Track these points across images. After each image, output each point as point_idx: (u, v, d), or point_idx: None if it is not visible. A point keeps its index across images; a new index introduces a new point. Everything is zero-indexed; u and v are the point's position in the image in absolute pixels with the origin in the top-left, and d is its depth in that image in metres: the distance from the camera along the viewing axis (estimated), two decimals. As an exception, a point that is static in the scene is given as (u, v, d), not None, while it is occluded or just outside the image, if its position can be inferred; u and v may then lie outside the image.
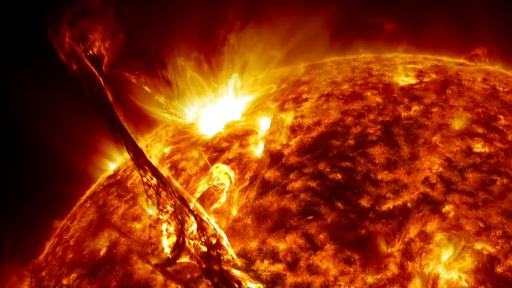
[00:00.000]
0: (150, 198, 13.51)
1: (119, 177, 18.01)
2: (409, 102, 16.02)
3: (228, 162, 15.27)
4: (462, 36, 20.61)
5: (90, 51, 13.29)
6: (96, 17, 13.38)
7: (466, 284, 11.36)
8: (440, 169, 13.61)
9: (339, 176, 13.79)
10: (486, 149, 14.06)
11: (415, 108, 15.73)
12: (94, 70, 12.93)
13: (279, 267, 12.32)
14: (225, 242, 12.62)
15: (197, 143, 16.75)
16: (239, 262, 12.46)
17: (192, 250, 12.77)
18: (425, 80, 17.48)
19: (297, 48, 20.71)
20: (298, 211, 13.22)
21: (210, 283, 12.40)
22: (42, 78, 19.66)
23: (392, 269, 11.82)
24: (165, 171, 13.16)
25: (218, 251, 12.47)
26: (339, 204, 13.16)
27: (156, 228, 14.24)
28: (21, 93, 19.25)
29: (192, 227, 12.71)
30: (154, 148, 17.74)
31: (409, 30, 21.86)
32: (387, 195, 13.19)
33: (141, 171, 12.77)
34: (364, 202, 13.16)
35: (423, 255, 11.88)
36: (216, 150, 15.96)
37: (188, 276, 12.81)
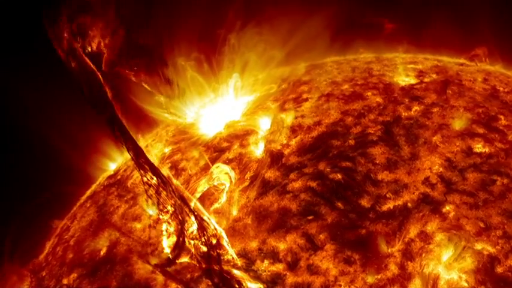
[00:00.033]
0: (150, 198, 13.50)
1: (119, 177, 18.01)
2: (410, 102, 16.02)
3: (228, 162, 15.27)
4: (462, 36, 20.60)
5: (90, 48, 13.20)
6: (96, 13, 13.31)
7: (466, 284, 11.36)
8: (441, 169, 13.60)
9: (339, 176, 13.79)
10: (486, 149, 14.06)
11: (416, 108, 15.73)
12: (93, 67, 12.85)
13: (279, 267, 12.32)
14: (225, 241, 12.62)
15: (197, 143, 16.75)
16: (239, 262, 12.46)
17: (192, 250, 12.76)
18: (426, 80, 17.48)
19: (297, 48, 20.71)
20: (298, 211, 13.22)
21: (210, 283, 12.40)
22: (42, 78, 19.66)
23: (393, 269, 11.82)
24: (165, 171, 13.14)
25: (218, 251, 12.46)
26: (339, 204, 13.15)
27: (156, 228, 14.24)
28: (21, 93, 19.24)
29: (193, 227, 12.71)
30: (155, 148, 17.75)
31: (410, 30, 21.86)
32: (387, 195, 13.19)
33: (141, 170, 12.76)
34: (365, 202, 13.16)
35: (423, 255, 11.88)
36: (216, 150, 15.96)
37: (188, 276, 12.81)
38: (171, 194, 12.56)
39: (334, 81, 18.22)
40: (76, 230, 16.67)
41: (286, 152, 15.02)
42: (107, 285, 13.54)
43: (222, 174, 14.67)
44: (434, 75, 17.81)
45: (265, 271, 12.33)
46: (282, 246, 12.61)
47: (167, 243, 13.57)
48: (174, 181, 13.00)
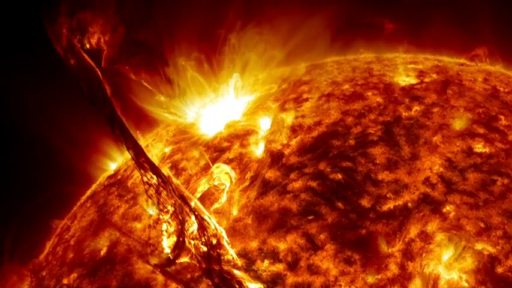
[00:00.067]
0: (150, 198, 13.48)
1: (119, 177, 18.01)
2: (410, 102, 16.01)
3: (228, 162, 15.27)
4: (463, 36, 20.61)
5: (89, 44, 13.09)
6: (96, 10, 13.22)
7: (466, 284, 11.36)
8: (441, 169, 13.60)
9: (340, 176, 13.79)
10: (487, 149, 14.05)
11: (416, 108, 15.72)
12: (92, 64, 12.75)
13: (279, 267, 12.32)
14: (225, 241, 12.61)
15: (198, 143, 16.75)
16: (239, 262, 12.45)
17: (193, 250, 12.75)
18: (426, 80, 17.47)
19: (297, 48, 20.72)
20: (298, 211, 13.21)
21: (210, 283, 12.39)
22: (42, 78, 19.66)
23: (393, 269, 11.82)
24: (165, 170, 13.12)
25: (218, 251, 12.45)
26: (340, 204, 13.15)
27: (156, 228, 14.23)
28: (21, 93, 19.24)
29: (193, 226, 12.70)
30: (155, 148, 17.74)
31: (410, 30, 21.87)
32: (388, 195, 13.19)
33: (141, 170, 12.73)
34: (365, 202, 13.15)
35: (424, 255, 11.88)
36: (216, 150, 15.96)
37: (188, 276, 12.81)
38: (171, 193, 12.55)
39: (334, 81, 18.22)
40: (76, 229, 16.67)
41: (287, 152, 15.02)
42: (107, 285, 13.54)
43: (223, 174, 14.66)
44: (434, 75, 17.81)
45: (265, 271, 12.33)
46: (282, 246, 12.60)
47: (167, 243, 13.56)
48: (174, 180, 12.98)
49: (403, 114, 15.56)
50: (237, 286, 12.05)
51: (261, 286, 12.05)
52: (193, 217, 12.58)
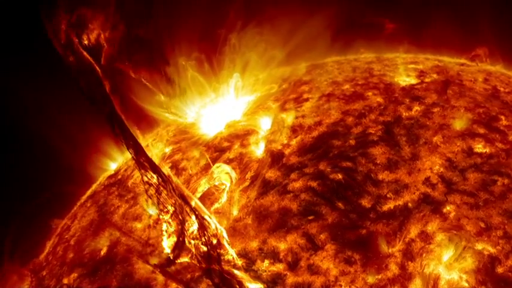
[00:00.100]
0: (151, 198, 13.47)
1: (119, 177, 18.01)
2: (410, 103, 16.01)
3: (228, 162, 15.27)
4: (463, 36, 20.61)
5: (88, 41, 12.95)
6: (96, 6, 13.11)
7: (466, 285, 11.35)
8: (441, 169, 13.60)
9: (340, 176, 13.78)
10: (487, 150, 14.05)
11: (416, 108, 15.72)
12: (91, 61, 12.63)
13: (279, 267, 12.31)
14: (225, 241, 12.60)
15: (198, 143, 16.75)
16: (240, 262, 12.44)
17: (193, 250, 12.74)
18: (427, 80, 17.47)
19: (298, 48, 20.73)
20: (298, 211, 13.21)
21: (210, 283, 12.39)
22: (42, 78, 19.67)
23: (393, 269, 11.81)
24: (165, 169, 13.10)
25: (219, 251, 12.45)
26: (340, 204, 13.15)
27: (156, 228, 14.24)
28: (21, 93, 19.25)
29: (193, 226, 12.69)
30: (155, 148, 17.74)
31: (410, 30, 21.88)
32: (388, 195, 13.18)
33: (141, 169, 12.69)
34: (365, 202, 13.15)
35: (424, 255, 11.87)
36: (217, 150, 15.96)
37: (188, 276, 12.81)
38: (172, 192, 12.52)
39: (334, 81, 18.22)
40: (76, 229, 16.66)
41: (287, 152, 15.02)
42: (107, 285, 13.53)
43: (223, 174, 14.66)
44: (435, 75, 17.80)
45: (265, 271, 12.32)
46: (282, 246, 12.60)
47: (167, 243, 13.56)
48: (175, 179, 12.96)
49: (404, 114, 15.56)
50: (237, 286, 12.05)
51: (261, 286, 12.05)
52: (193, 217, 12.58)
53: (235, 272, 12.27)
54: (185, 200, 12.59)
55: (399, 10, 22.43)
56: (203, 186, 14.60)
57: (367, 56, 21.24)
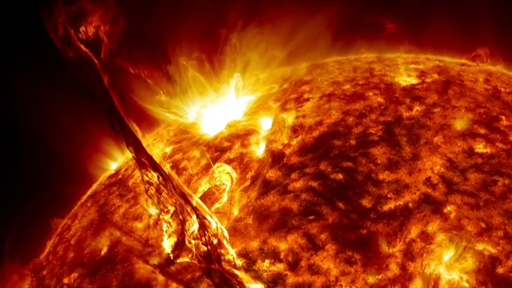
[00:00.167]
0: (151, 198, 13.46)
1: (120, 177, 18.00)
2: (411, 103, 16.01)
3: (229, 161, 15.27)
4: (464, 36, 20.60)
5: (87, 35, 12.77)
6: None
7: (467, 285, 11.35)
8: (442, 169, 13.59)
9: (340, 176, 13.78)
10: (488, 150, 14.04)
11: (417, 108, 15.71)
12: (90, 54, 12.48)
13: (280, 267, 12.31)
14: (226, 241, 12.60)
15: (199, 143, 16.75)
16: (240, 262, 12.44)
17: (193, 250, 12.74)
18: (427, 80, 17.47)
19: (298, 48, 20.74)
20: (299, 211, 13.20)
21: (210, 283, 12.38)
22: (42, 78, 19.67)
23: (394, 269, 11.80)
24: (166, 168, 13.08)
25: (219, 250, 12.44)
26: (340, 204, 13.14)
27: (156, 228, 14.23)
28: (21, 93, 19.25)
29: (193, 226, 12.69)
30: (156, 147, 17.74)
31: (411, 31, 21.86)
32: (388, 196, 13.18)
33: (141, 168, 12.64)
34: (366, 202, 13.14)
35: (424, 255, 11.87)
36: (217, 150, 15.96)
37: (189, 276, 12.80)
38: (172, 191, 12.49)
39: (335, 81, 18.21)
40: (77, 229, 16.66)
41: (288, 151, 15.01)
42: (107, 285, 13.52)
43: (223, 174, 14.66)
44: (435, 76, 17.80)
45: (266, 271, 12.31)
46: (283, 246, 12.59)
47: (167, 243, 13.56)
48: (175, 178, 12.94)
49: (404, 114, 15.56)
50: (238, 286, 12.04)
51: (262, 286, 12.04)
52: (194, 216, 12.57)
53: (236, 272, 12.27)
54: (186, 199, 12.58)
55: (400, 10, 22.43)
56: (204, 186, 14.60)
57: (367, 56, 21.24)
